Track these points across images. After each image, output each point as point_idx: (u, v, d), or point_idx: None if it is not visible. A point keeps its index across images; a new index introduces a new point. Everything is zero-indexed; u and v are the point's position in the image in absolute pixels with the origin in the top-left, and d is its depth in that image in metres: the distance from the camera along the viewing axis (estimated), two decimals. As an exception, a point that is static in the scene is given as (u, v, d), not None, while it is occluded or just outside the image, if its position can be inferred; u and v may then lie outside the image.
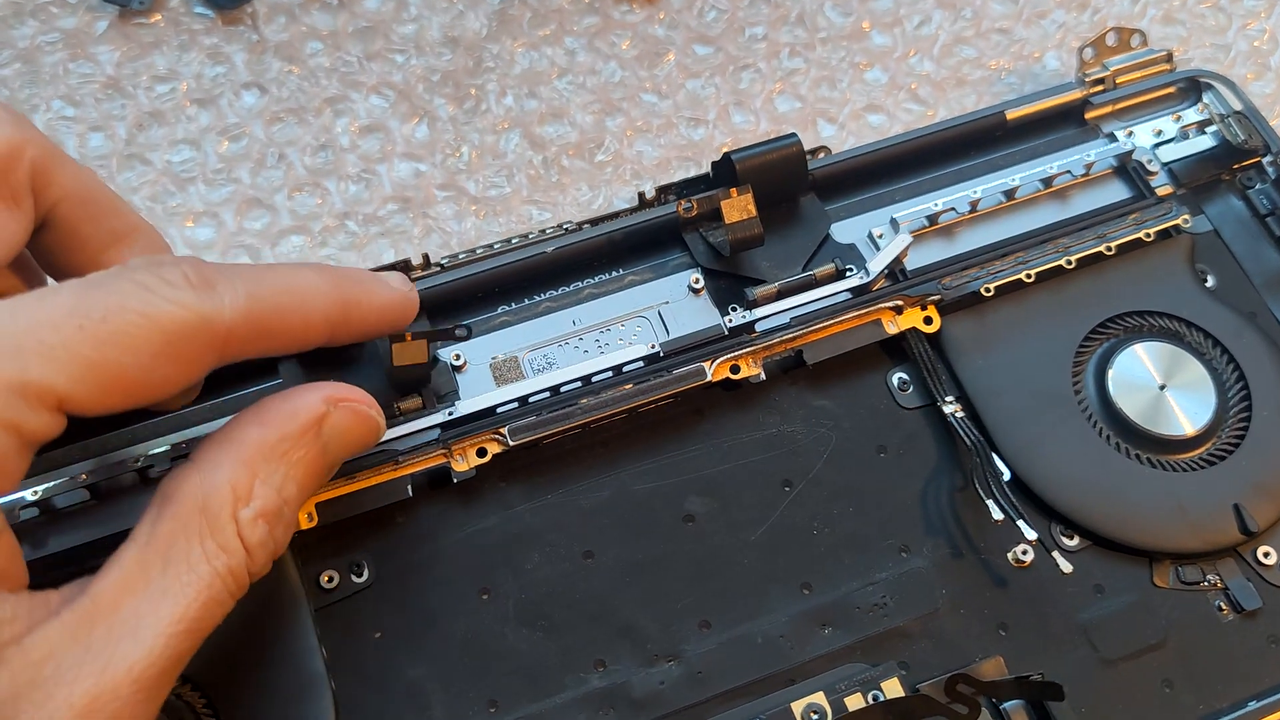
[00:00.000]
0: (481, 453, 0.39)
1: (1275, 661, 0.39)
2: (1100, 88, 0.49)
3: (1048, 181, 0.45)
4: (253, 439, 0.30)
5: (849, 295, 0.42)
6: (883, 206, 0.45)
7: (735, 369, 0.41)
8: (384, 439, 0.37)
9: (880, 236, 0.44)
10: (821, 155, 0.48)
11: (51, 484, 0.37)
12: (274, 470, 0.30)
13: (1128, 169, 0.47)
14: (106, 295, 0.27)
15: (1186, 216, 0.45)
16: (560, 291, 0.43)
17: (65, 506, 0.37)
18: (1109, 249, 0.44)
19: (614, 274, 0.43)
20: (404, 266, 0.44)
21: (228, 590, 0.29)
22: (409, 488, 0.39)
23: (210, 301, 0.28)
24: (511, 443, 0.39)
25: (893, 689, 0.36)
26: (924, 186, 0.46)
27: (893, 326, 0.42)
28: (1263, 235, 0.46)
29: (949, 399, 0.42)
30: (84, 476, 0.37)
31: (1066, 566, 0.38)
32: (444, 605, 0.38)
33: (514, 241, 0.44)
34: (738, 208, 0.41)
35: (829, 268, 0.43)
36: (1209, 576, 0.40)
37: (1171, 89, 0.49)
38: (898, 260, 0.43)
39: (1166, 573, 0.40)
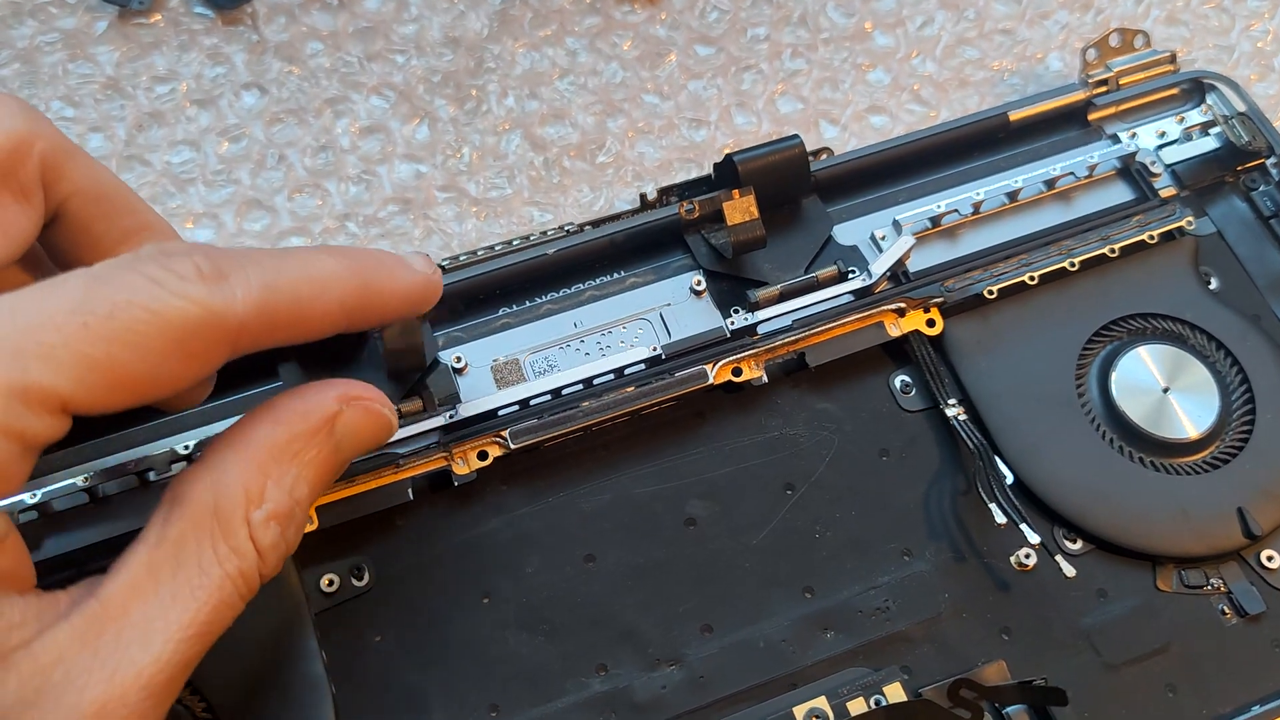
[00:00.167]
0: (482, 455, 0.39)
1: (1279, 666, 0.39)
2: (1103, 89, 0.48)
3: (1051, 183, 0.45)
4: (264, 439, 0.30)
5: (851, 297, 0.42)
6: (885, 208, 0.45)
7: (737, 371, 0.41)
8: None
9: (883, 238, 0.44)
10: (824, 156, 0.47)
11: (51, 487, 0.37)
12: (286, 471, 0.30)
13: (1131, 171, 0.46)
14: (113, 290, 0.26)
15: (1190, 218, 0.45)
16: (561, 293, 0.43)
17: (65, 509, 0.37)
18: (1112, 251, 0.44)
19: (615, 276, 0.43)
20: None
21: (238, 593, 0.28)
22: (410, 491, 0.39)
23: (222, 295, 0.27)
24: (513, 445, 0.39)
25: (895, 693, 0.36)
26: (927, 188, 0.46)
27: (895, 329, 0.42)
28: (1266, 237, 0.46)
29: (952, 402, 0.41)
30: (84, 479, 0.37)
31: (1070, 570, 0.38)
32: (445, 609, 0.38)
33: (515, 243, 0.44)
34: (740, 209, 0.41)
35: (831, 270, 0.42)
36: (1212, 580, 0.40)
37: (1175, 90, 0.49)
38: (900, 262, 0.42)
39: (1170, 577, 0.40)
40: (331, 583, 0.38)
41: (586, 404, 0.40)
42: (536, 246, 0.43)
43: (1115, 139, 0.47)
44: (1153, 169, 0.46)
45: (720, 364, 0.41)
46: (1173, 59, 0.49)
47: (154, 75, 0.54)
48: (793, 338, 0.41)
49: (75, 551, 0.37)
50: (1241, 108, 0.47)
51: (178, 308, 0.26)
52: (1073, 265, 0.44)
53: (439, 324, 0.42)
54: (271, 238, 0.51)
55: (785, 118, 0.55)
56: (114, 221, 0.32)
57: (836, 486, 0.41)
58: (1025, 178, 0.45)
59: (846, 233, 0.44)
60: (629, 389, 0.40)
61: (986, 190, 0.44)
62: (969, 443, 0.40)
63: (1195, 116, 0.48)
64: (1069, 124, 0.48)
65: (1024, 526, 0.38)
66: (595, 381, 0.40)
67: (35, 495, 0.37)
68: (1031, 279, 0.43)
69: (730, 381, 0.41)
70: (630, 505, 0.40)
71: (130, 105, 0.53)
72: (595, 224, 0.45)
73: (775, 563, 0.39)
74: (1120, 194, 0.46)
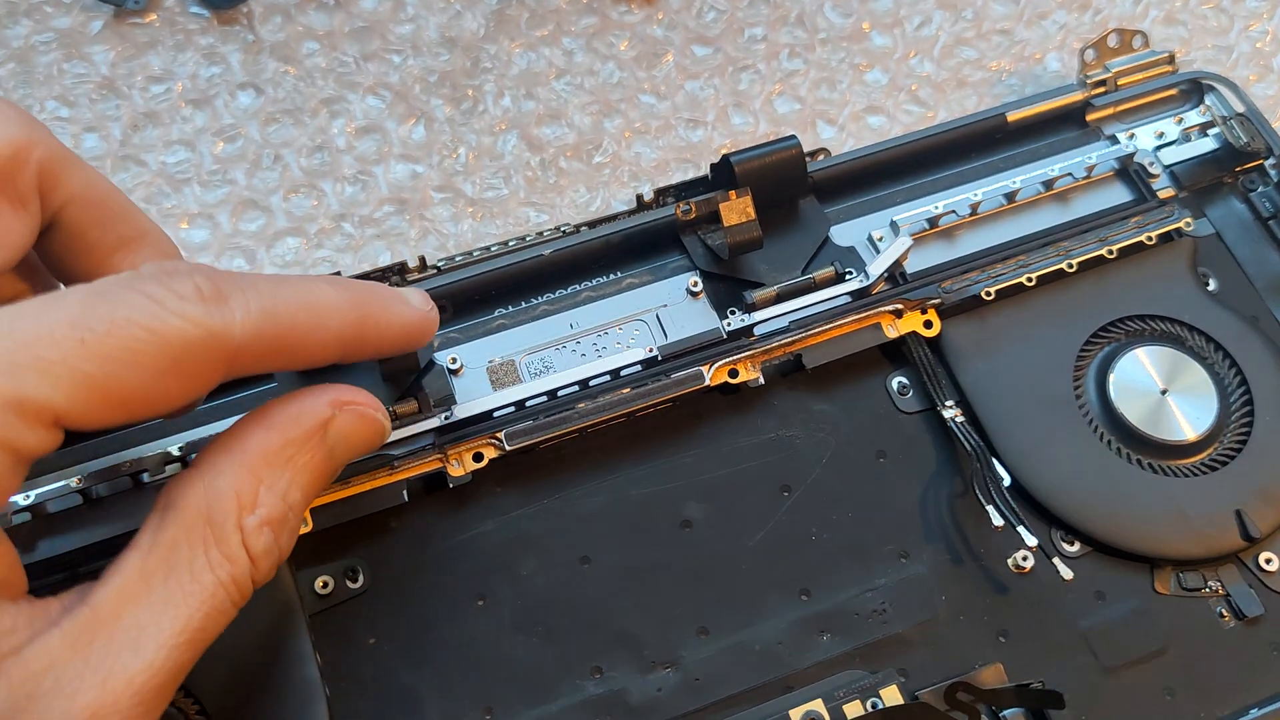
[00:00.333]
0: (478, 457, 0.39)
1: (1277, 669, 0.39)
2: (1102, 89, 0.48)
3: (1049, 184, 0.45)
4: (257, 444, 0.30)
5: (848, 298, 0.42)
6: (883, 209, 0.45)
7: (734, 373, 0.41)
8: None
9: (880, 239, 0.44)
10: (821, 157, 0.47)
11: (44, 489, 0.37)
12: (279, 476, 0.30)
13: (1129, 171, 0.46)
14: (112, 307, 0.26)
15: (1188, 219, 0.45)
16: (558, 294, 0.43)
17: (57, 511, 0.37)
18: (1110, 252, 0.44)
19: (612, 277, 0.43)
20: (400, 269, 0.44)
21: (231, 600, 0.28)
22: (405, 492, 0.38)
23: (221, 316, 0.27)
24: (508, 447, 0.39)
25: (892, 696, 0.36)
26: (924, 189, 0.46)
27: (892, 330, 0.42)
28: (1265, 238, 0.46)
29: (949, 403, 0.41)
30: (77, 481, 0.37)
31: (1067, 573, 0.38)
32: (439, 611, 0.38)
33: (511, 244, 0.44)
34: (736, 210, 0.41)
35: (828, 271, 0.42)
36: (1210, 583, 0.40)
37: (1173, 91, 0.49)
38: (898, 263, 0.42)
39: (1168, 579, 0.40)
40: (326, 585, 0.38)
41: (582, 405, 0.39)
42: (533, 247, 0.43)
43: (1113, 140, 0.47)
44: (1151, 170, 0.46)
45: (717, 365, 0.40)
46: (1171, 59, 0.49)
47: (149, 75, 0.54)
48: (789, 339, 0.41)
49: (69, 553, 0.37)
50: (1240, 108, 0.47)
51: (176, 327, 0.26)
52: (1071, 266, 0.44)
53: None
54: (267, 238, 0.51)
55: (782, 118, 0.55)
56: (110, 229, 0.32)
57: (833, 488, 0.40)
58: (1023, 178, 0.45)
59: (844, 234, 0.44)
60: (625, 390, 0.40)
61: (984, 191, 0.44)
62: (966, 444, 0.40)
63: (1194, 117, 0.48)
64: (1067, 125, 0.48)
65: (1021, 529, 0.38)
66: (591, 383, 0.40)
67: (29, 497, 0.37)
68: (1029, 280, 0.43)
69: (727, 383, 0.41)
70: (626, 507, 0.40)
71: (125, 105, 0.53)
72: (591, 225, 0.44)
73: (771, 565, 0.39)
74: (1118, 195, 0.46)
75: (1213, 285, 0.45)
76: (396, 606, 0.38)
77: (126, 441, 0.38)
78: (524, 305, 0.42)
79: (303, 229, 0.51)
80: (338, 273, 0.41)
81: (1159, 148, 0.47)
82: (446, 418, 0.39)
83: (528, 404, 0.39)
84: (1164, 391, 0.42)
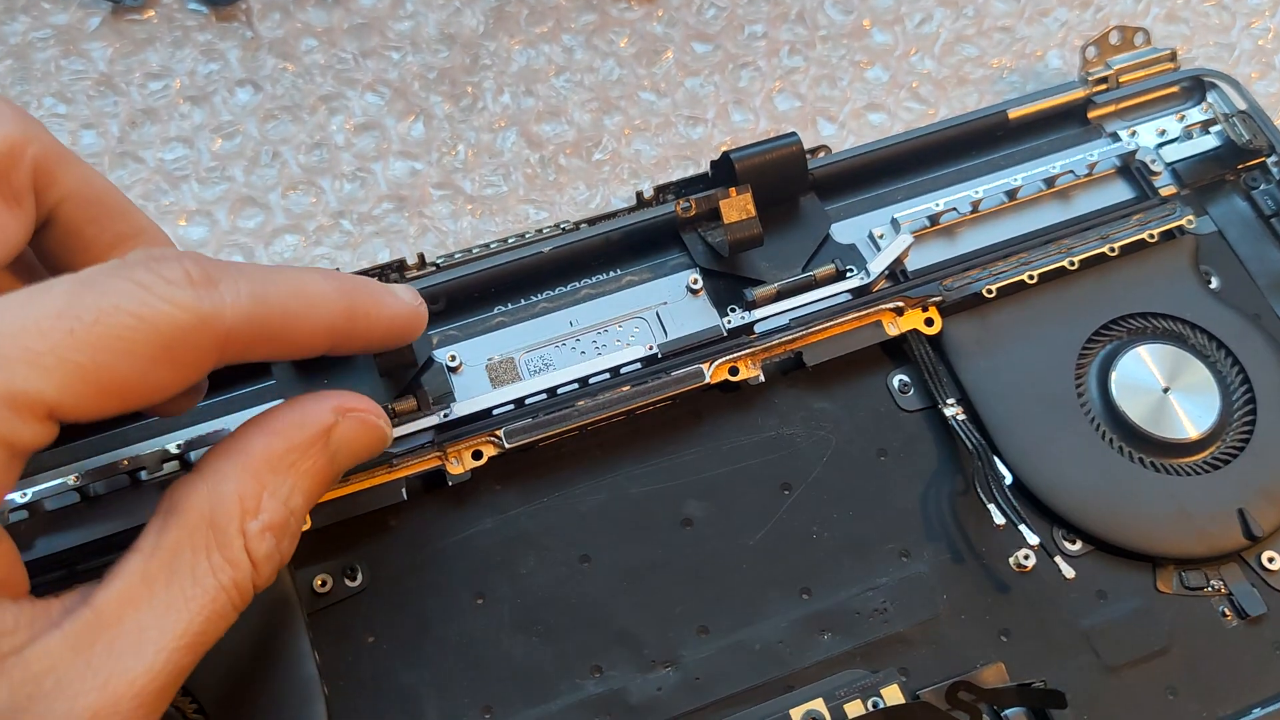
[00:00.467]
0: (477, 455, 0.39)
1: (1280, 668, 0.39)
2: (1103, 87, 0.48)
3: (1050, 181, 0.45)
4: (261, 449, 0.30)
5: (849, 296, 0.42)
6: (883, 206, 0.45)
7: (734, 371, 0.41)
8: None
9: (881, 237, 0.43)
10: (821, 154, 0.47)
11: (42, 486, 0.37)
12: (282, 482, 0.30)
13: (1131, 169, 0.46)
14: (99, 296, 0.26)
15: (1190, 217, 0.45)
16: (557, 292, 0.42)
17: (56, 509, 0.37)
18: (1112, 250, 0.44)
19: (611, 274, 0.43)
20: (399, 266, 0.43)
21: (232, 604, 0.29)
22: (403, 491, 0.38)
23: (211, 301, 0.27)
24: (507, 445, 0.39)
25: (893, 696, 0.36)
26: (925, 186, 0.46)
27: (893, 328, 0.42)
28: (1267, 236, 0.46)
29: (950, 401, 0.41)
30: (75, 479, 0.37)
31: (1069, 572, 0.38)
32: (438, 610, 0.38)
33: (510, 241, 0.44)
34: (737, 207, 0.41)
35: (829, 268, 0.42)
36: (1213, 582, 0.40)
37: (1175, 88, 0.49)
38: (898, 261, 0.42)
39: (1170, 578, 0.40)
40: (324, 583, 0.38)
41: (582, 403, 0.39)
42: (532, 244, 0.43)
43: (1115, 137, 0.47)
44: (1153, 167, 0.46)
45: (717, 363, 0.40)
46: (1173, 57, 0.49)
47: (147, 72, 0.53)
48: (790, 337, 0.41)
49: (66, 551, 0.36)
50: (1242, 106, 0.47)
51: (166, 313, 0.26)
52: (1072, 264, 0.43)
53: (434, 323, 0.41)
54: (265, 235, 0.51)
55: (783, 115, 0.55)
56: (106, 226, 0.32)
57: (834, 486, 0.40)
58: (1024, 176, 0.45)
59: (844, 231, 0.44)
60: (625, 388, 0.40)
61: (985, 188, 0.44)
62: (967, 443, 0.40)
63: (1196, 114, 0.48)
64: (1068, 122, 0.48)
65: (1023, 527, 0.37)
66: (591, 380, 0.40)
67: (26, 495, 0.36)
68: (1031, 278, 0.43)
69: (727, 381, 0.40)
70: (626, 505, 0.40)
71: (123, 102, 0.53)
72: (591, 222, 0.44)
73: (772, 563, 0.39)
74: (1120, 192, 0.46)
75: (1215, 283, 0.45)
76: (395, 605, 0.38)
77: (124, 439, 0.38)
78: (523, 303, 0.42)
79: (301, 226, 0.51)
80: (336, 269, 0.41)
81: (1161, 145, 0.47)
82: (446, 415, 0.38)
83: (527, 402, 0.39)
84: (1166, 390, 0.42)
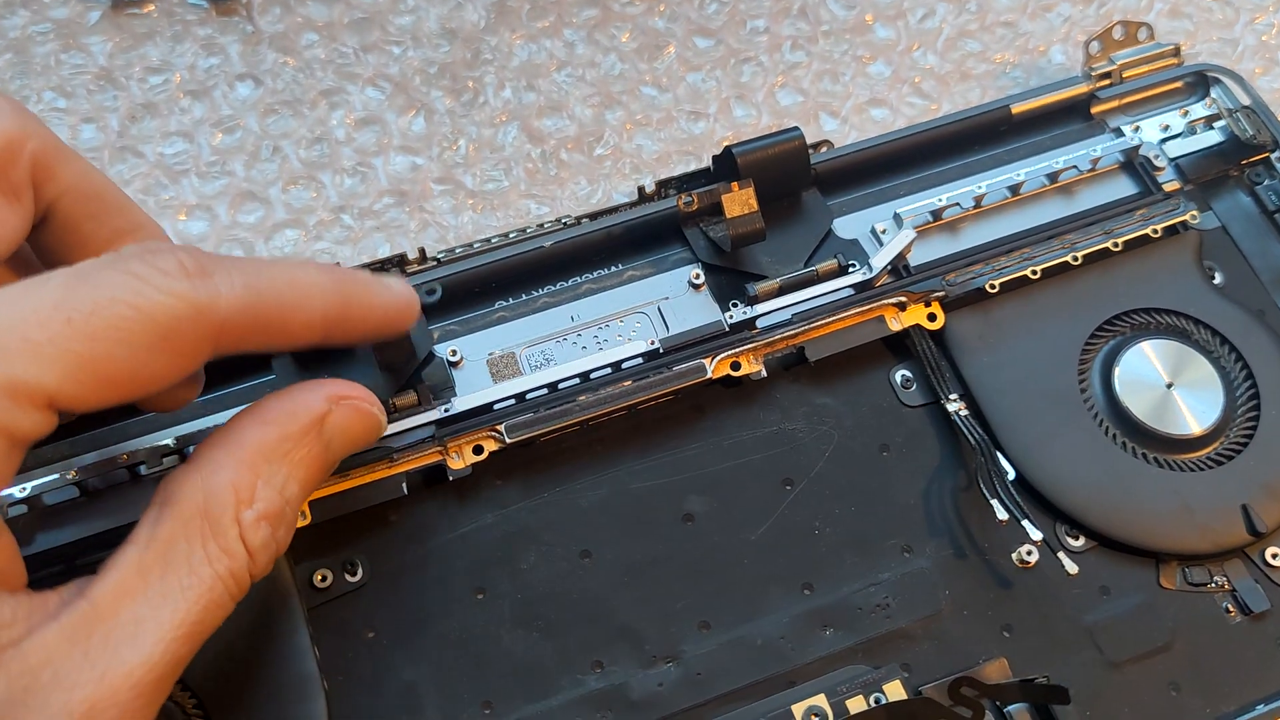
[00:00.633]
0: (478, 450, 0.38)
1: (1283, 664, 0.38)
2: (1106, 82, 0.48)
3: (1053, 177, 0.45)
4: (254, 439, 0.30)
5: (852, 291, 0.42)
6: (886, 201, 0.45)
7: (736, 366, 0.40)
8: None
9: (883, 232, 0.43)
10: (824, 149, 0.47)
11: (41, 480, 0.36)
12: (276, 470, 0.30)
13: (1134, 164, 0.46)
14: (95, 287, 0.26)
15: (1194, 213, 0.45)
16: (558, 287, 0.42)
17: (55, 503, 0.37)
18: (1116, 245, 0.44)
19: (613, 269, 0.43)
20: (400, 261, 0.43)
21: (229, 593, 0.29)
22: (404, 485, 0.38)
23: (205, 290, 0.27)
24: (508, 440, 0.38)
25: (895, 691, 0.36)
26: (928, 181, 0.46)
27: (896, 323, 0.42)
28: (1271, 232, 0.46)
29: (953, 397, 0.41)
30: (74, 473, 0.37)
31: (1072, 567, 0.38)
32: (439, 605, 0.38)
33: (511, 236, 0.44)
34: (739, 202, 0.41)
35: (831, 263, 0.42)
36: (1216, 578, 0.40)
37: (1179, 83, 0.49)
38: (901, 256, 0.42)
39: (1173, 574, 0.39)
40: (324, 578, 0.37)
41: (583, 398, 0.39)
42: (533, 239, 0.42)
43: (1118, 132, 0.47)
44: (1156, 163, 0.46)
45: (719, 358, 0.40)
46: (1176, 52, 0.49)
47: (147, 66, 0.53)
48: (792, 332, 0.41)
49: (65, 546, 0.36)
50: (1246, 101, 0.47)
51: (162, 303, 0.26)
52: (1075, 259, 0.43)
53: (434, 317, 0.41)
54: (266, 230, 0.50)
55: (785, 110, 0.55)
56: (104, 221, 0.32)
57: (836, 482, 0.40)
58: (1027, 171, 0.45)
59: (847, 226, 0.44)
60: (626, 383, 0.39)
61: (988, 184, 0.44)
62: (970, 438, 0.40)
63: (1199, 110, 0.48)
64: (1072, 117, 0.48)
65: (1026, 523, 0.37)
66: (592, 375, 0.40)
67: (25, 490, 0.36)
68: (1034, 273, 0.43)
69: (729, 376, 0.40)
70: (627, 500, 0.39)
71: (123, 96, 0.53)
72: (593, 217, 0.44)
73: (774, 559, 0.39)
74: (1123, 188, 0.46)
75: (1218, 279, 0.45)
76: (395, 600, 0.38)
77: (123, 434, 0.38)
78: (524, 297, 0.42)
79: (302, 221, 0.51)
80: (337, 264, 0.40)
81: (1164, 140, 0.47)
82: (446, 410, 0.38)
83: (528, 396, 0.39)
84: (1169, 385, 0.42)
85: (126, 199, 0.33)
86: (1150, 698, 0.38)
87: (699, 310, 0.42)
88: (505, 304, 0.42)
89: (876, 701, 0.35)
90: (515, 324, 0.41)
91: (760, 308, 0.41)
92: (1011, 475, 0.39)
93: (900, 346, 0.42)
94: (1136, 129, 0.47)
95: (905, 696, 0.36)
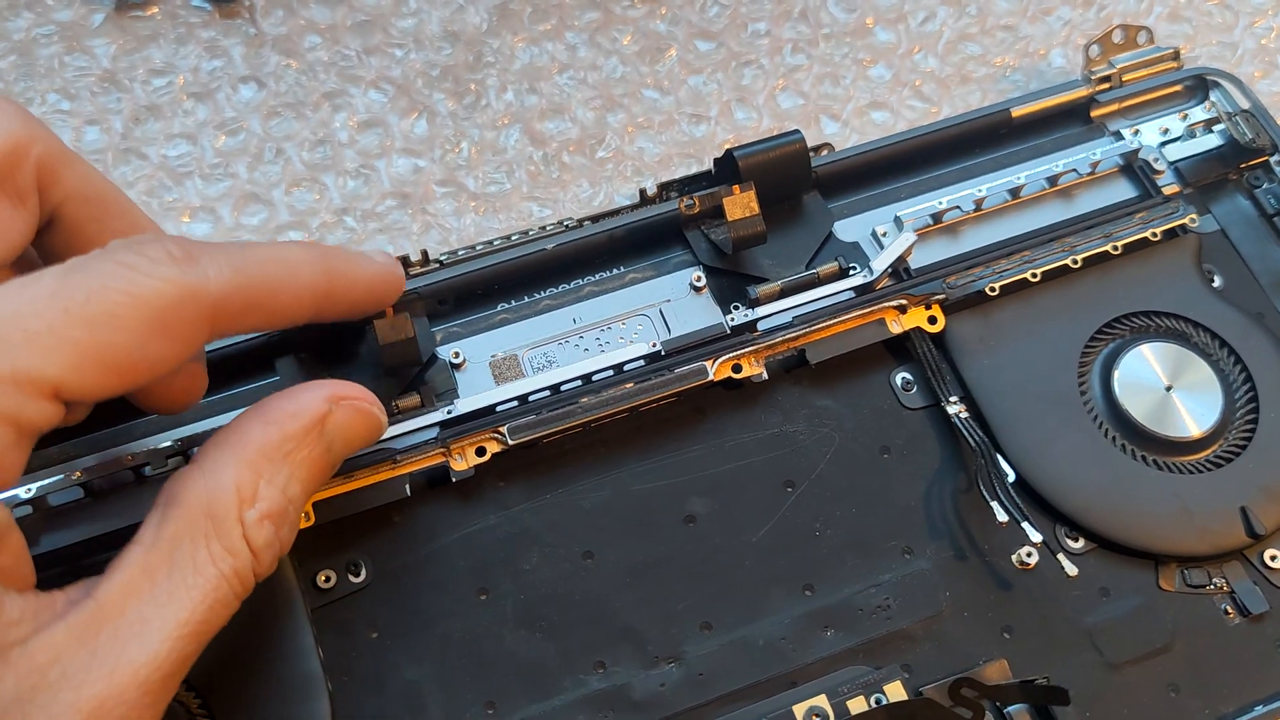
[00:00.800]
0: (480, 452, 0.39)
1: (1282, 666, 0.39)
2: (1106, 85, 0.48)
3: (1053, 180, 0.45)
4: (256, 439, 0.30)
5: (852, 294, 0.42)
6: (886, 204, 0.45)
7: (737, 368, 0.41)
8: (382, 437, 0.37)
9: (884, 235, 0.43)
10: (825, 152, 0.47)
11: (46, 481, 0.37)
12: (278, 470, 0.30)
13: (1134, 167, 0.46)
14: (88, 277, 0.27)
15: (1193, 216, 0.45)
16: (560, 289, 0.42)
17: (60, 504, 0.37)
18: (1115, 248, 0.44)
19: (615, 271, 0.43)
20: (403, 262, 0.43)
21: (234, 592, 0.29)
22: (407, 487, 0.38)
23: (195, 274, 0.28)
24: (511, 442, 0.39)
25: (895, 692, 0.36)
26: (928, 184, 0.46)
27: (896, 326, 0.42)
28: (1270, 235, 0.46)
29: (953, 399, 0.41)
30: (78, 474, 0.37)
31: (1072, 569, 0.38)
32: (442, 606, 0.38)
33: (514, 238, 0.44)
34: (740, 205, 0.41)
35: (832, 266, 0.42)
36: (1215, 580, 0.40)
37: (1178, 87, 0.49)
38: (901, 259, 0.42)
39: (1172, 576, 0.40)
40: (328, 579, 0.38)
41: (585, 400, 0.39)
42: (535, 242, 0.43)
43: (1118, 136, 0.47)
44: (1156, 166, 0.46)
45: (720, 360, 0.40)
46: (1176, 55, 0.49)
47: (151, 68, 0.53)
48: (793, 334, 0.41)
49: (70, 546, 0.36)
50: (1245, 105, 0.47)
51: (154, 287, 0.27)
52: (1075, 262, 0.43)
53: (437, 319, 0.42)
54: (269, 232, 0.51)
55: (786, 113, 0.55)
56: (107, 225, 0.33)
57: (837, 484, 0.40)
58: (1028, 174, 0.45)
59: (848, 229, 0.44)
60: (628, 385, 0.40)
61: (988, 187, 0.44)
62: (970, 440, 0.40)
63: (1198, 113, 0.48)
64: (1071, 120, 0.48)
65: (1026, 525, 0.38)
66: (594, 377, 0.40)
67: (30, 490, 0.36)
68: (1034, 276, 0.43)
69: (730, 378, 0.41)
70: (629, 502, 0.40)
71: (127, 98, 0.53)
72: (594, 219, 0.44)
73: (775, 560, 0.39)
74: (1123, 191, 0.46)
75: (1218, 282, 0.45)
76: (399, 601, 0.38)
77: (128, 435, 0.38)
78: (527, 300, 0.42)
79: (305, 223, 0.51)
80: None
81: (1164, 144, 0.47)
82: (449, 412, 0.39)
83: (531, 398, 0.39)
84: (1169, 388, 0.42)
85: (129, 203, 0.33)
86: (1149, 699, 0.38)
87: (700, 312, 0.42)
88: (507, 306, 0.42)
89: (877, 702, 0.36)
90: (518, 326, 0.42)
91: (761, 310, 0.41)
92: (1011, 477, 0.39)
93: (901, 349, 0.43)
94: (1136, 132, 0.47)
95: (906, 697, 0.36)
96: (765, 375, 0.41)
